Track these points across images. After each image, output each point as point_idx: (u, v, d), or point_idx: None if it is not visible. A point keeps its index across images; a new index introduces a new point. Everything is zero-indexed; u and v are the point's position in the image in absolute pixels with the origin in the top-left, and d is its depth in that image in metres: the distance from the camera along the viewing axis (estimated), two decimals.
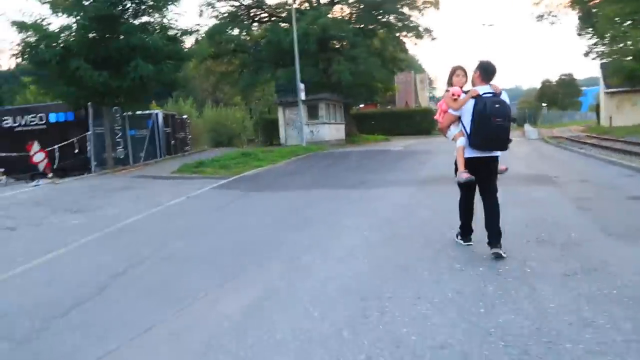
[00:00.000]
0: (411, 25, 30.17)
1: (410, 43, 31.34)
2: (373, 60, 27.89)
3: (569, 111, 75.90)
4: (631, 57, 28.06)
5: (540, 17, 36.69)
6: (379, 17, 30.34)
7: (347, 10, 31.14)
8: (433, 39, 30.41)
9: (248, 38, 31.49)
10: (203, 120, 33.02)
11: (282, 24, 30.74)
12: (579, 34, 40.18)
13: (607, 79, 31.75)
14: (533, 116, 53.00)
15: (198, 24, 27.48)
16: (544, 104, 64.03)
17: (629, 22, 28.24)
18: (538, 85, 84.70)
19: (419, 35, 29.92)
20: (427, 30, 30.02)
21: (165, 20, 17.06)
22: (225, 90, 40.10)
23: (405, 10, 30.29)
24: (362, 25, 30.09)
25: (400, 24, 30.60)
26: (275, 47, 27.94)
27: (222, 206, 8.23)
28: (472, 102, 4.30)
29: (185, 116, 25.15)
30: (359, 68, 26.51)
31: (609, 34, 34.68)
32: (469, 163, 4.42)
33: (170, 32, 17.29)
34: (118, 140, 17.18)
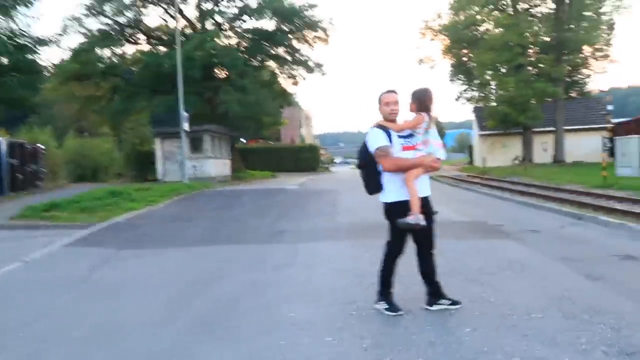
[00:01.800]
0: (302, 59, 29.22)
1: (300, 77, 30.26)
2: (263, 91, 26.18)
3: None
4: (504, 103, 30.03)
5: (421, 61, 38.38)
6: (269, 48, 28.93)
7: (234, 39, 29.28)
8: (323, 74, 29.78)
9: (121, 60, 27.89)
10: (63, 151, 28.12)
11: (162, 48, 27.83)
12: (451, 80, 43.01)
13: (483, 122, 33.81)
14: None
15: (59, 34, 23.25)
16: None
17: (503, 70, 30.44)
18: None
19: (309, 70, 29.03)
20: (318, 65, 29.30)
21: (13, 25, 13.52)
22: (91, 118, 35.18)
23: (295, 43, 29.35)
24: (250, 56, 28.36)
25: (290, 58, 29.51)
26: (154, 71, 24.91)
27: (80, 279, 5.42)
28: None
29: (39, 145, 20.65)
30: (248, 99, 24.50)
31: (478, 81, 37.61)
32: None
33: (20, 40, 13.74)
34: None
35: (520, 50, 29.69)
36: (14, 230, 9.24)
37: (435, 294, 3.88)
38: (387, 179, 3.71)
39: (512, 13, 31.52)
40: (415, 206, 3.57)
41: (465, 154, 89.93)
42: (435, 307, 3.82)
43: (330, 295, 4.34)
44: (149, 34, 28.52)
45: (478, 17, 34.46)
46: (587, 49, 34.20)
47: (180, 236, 8.22)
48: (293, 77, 29.92)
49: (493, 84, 36.50)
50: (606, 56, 36.01)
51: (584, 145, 32.47)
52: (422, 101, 3.69)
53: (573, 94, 40.13)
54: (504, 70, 31.53)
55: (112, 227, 9.40)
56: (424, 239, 3.79)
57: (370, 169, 3.77)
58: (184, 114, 20.91)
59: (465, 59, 39.93)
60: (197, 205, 13.21)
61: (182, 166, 21.40)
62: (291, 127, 45.04)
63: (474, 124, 41.80)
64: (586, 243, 6.49)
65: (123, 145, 35.50)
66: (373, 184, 3.80)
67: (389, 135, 3.66)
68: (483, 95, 38.35)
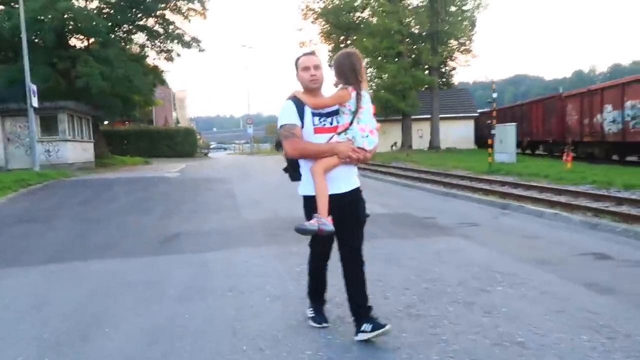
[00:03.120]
0: (175, 32, 26.26)
1: (174, 53, 27.20)
2: (133, 65, 22.87)
3: None
4: (385, 89, 30.43)
5: (303, 44, 37.45)
6: (137, 17, 25.48)
7: (95, 2, 25.22)
8: (201, 50, 27.11)
9: None
10: None
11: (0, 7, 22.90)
12: (330, 66, 42.81)
13: None
14: None
15: None
16: None
17: (382, 57, 30.76)
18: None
19: (185, 44, 26.20)
20: (195, 40, 26.58)
21: None
22: None
23: (168, 14, 26.30)
24: (115, 25, 24.67)
25: (162, 30, 26.38)
26: None
27: None
28: None
29: None
30: (114, 73, 21.15)
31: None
32: None
33: None
34: None
35: (400, 38, 30.19)
36: None
37: (360, 314, 2.91)
38: (303, 167, 2.94)
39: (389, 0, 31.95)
40: (322, 206, 2.74)
41: None
42: (360, 337, 2.82)
43: (286, 350, 2.83)
44: None
45: (357, 2, 34.48)
46: (453, 43, 36.27)
47: (31, 247, 5.93)
48: (167, 51, 26.81)
49: (370, 70, 37.18)
50: (468, 50, 38.71)
51: (454, 133, 34.49)
52: (345, 70, 2.83)
53: (441, 84, 42.71)
54: (382, 58, 31.95)
55: None
56: (349, 247, 2.94)
57: None
58: (32, 87, 17.18)
59: (343, 45, 40.01)
60: (54, 200, 10.50)
61: (32, 151, 17.68)
62: (164, 108, 41.20)
63: None
64: (539, 238, 5.79)
65: None
66: (293, 170, 3.01)
67: (302, 111, 2.83)
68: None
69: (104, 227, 7.13)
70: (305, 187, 2.89)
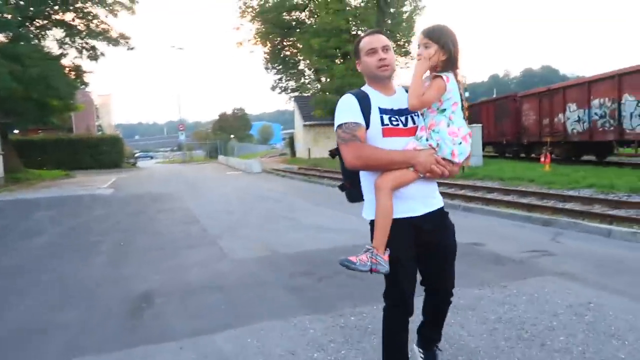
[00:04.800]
0: (97, 29, 23.20)
1: (99, 51, 24.03)
2: (50, 64, 19.61)
3: (246, 143, 79.55)
4: (331, 91, 29.08)
5: (240, 44, 35.27)
6: (54, 9, 22.16)
7: None
8: (130, 48, 24.18)
9: None
10: None
11: None
12: (267, 69, 40.93)
13: (310, 112, 32.39)
14: (224, 148, 51.41)
15: None
16: (231, 136, 64.33)
17: (329, 58, 29.43)
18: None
19: (112, 42, 23.21)
20: (123, 37, 23.63)
21: None
22: None
23: (90, 7, 23.19)
24: (27, 18, 21.25)
25: (84, 26, 23.20)
26: None
27: None
28: None
29: None
30: (27, 73, 17.91)
31: (294, 71, 36.81)
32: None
33: None
34: None
35: (348, 37, 29.02)
36: None
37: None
38: (365, 183, 2.25)
39: None
40: (380, 236, 2.07)
41: (268, 145, 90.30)
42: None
43: None
44: None
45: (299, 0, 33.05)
46: (393, 45, 35.85)
47: None
48: (90, 49, 23.59)
49: (310, 73, 36.00)
50: (407, 53, 38.49)
51: None
52: (450, 46, 2.08)
53: None
54: (328, 58, 30.65)
55: None
56: (436, 289, 2.36)
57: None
58: None
59: (280, 46, 38.36)
60: None
61: None
62: (85, 114, 37.08)
63: (295, 114, 40.56)
64: None
65: None
66: (353, 186, 2.32)
67: (367, 107, 2.16)
68: (300, 84, 37.64)
69: (28, 285, 4.79)
70: (369, 209, 2.22)
